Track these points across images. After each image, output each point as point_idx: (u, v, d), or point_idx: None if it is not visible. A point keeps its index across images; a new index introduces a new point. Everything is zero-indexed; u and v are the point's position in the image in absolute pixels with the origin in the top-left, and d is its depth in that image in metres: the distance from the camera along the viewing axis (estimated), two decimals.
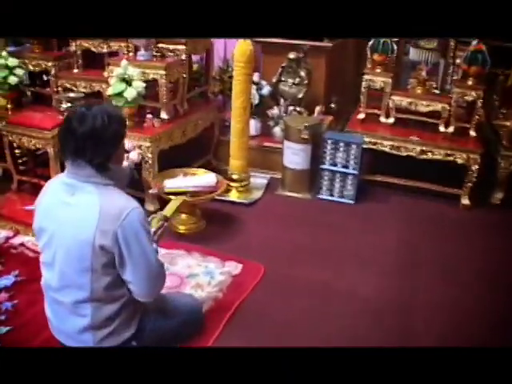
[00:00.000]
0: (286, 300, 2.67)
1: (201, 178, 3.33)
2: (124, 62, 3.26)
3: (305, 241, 3.23)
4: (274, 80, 4.09)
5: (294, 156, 3.74)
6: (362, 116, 3.95)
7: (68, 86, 3.63)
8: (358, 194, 3.71)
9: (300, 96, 4.05)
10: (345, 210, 3.63)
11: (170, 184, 3.23)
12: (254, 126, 4.13)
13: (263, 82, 4.06)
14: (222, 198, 3.67)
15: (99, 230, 1.83)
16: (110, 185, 1.93)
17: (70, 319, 1.97)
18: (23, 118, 3.44)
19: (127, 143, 3.22)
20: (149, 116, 3.41)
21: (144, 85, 3.27)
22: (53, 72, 3.64)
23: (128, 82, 3.23)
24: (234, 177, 3.74)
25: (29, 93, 3.94)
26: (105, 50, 3.67)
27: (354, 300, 2.67)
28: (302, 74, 4.03)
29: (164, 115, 3.47)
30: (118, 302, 1.97)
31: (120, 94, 3.23)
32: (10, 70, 3.58)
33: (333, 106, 4.34)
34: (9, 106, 3.69)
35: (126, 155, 3.14)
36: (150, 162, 3.32)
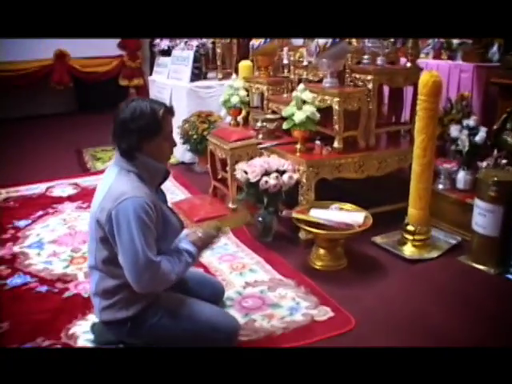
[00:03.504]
0: None
1: (345, 215, 3.06)
2: (301, 86, 3.31)
3: (431, 321, 2.56)
4: (495, 127, 3.37)
5: (481, 217, 3.00)
6: None
7: (274, 108, 3.86)
8: None
9: None
10: None
11: (312, 213, 3.09)
12: (462, 178, 3.49)
13: (481, 128, 3.39)
14: (388, 248, 3.27)
15: (100, 206, 2.02)
16: (133, 172, 2.06)
17: (91, 280, 2.24)
18: (220, 131, 3.87)
19: (286, 164, 3.26)
20: (317, 142, 3.32)
21: (314, 110, 3.23)
22: (266, 95, 3.94)
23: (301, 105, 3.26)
24: (409, 228, 3.25)
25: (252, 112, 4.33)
26: (306, 77, 3.76)
27: None
28: None
29: (336, 144, 3.33)
30: (117, 280, 2.09)
31: (290, 117, 3.29)
32: (236, 90, 4.06)
33: None
34: (232, 122, 4.17)
35: (275, 175, 3.19)
36: (305, 187, 3.24)
